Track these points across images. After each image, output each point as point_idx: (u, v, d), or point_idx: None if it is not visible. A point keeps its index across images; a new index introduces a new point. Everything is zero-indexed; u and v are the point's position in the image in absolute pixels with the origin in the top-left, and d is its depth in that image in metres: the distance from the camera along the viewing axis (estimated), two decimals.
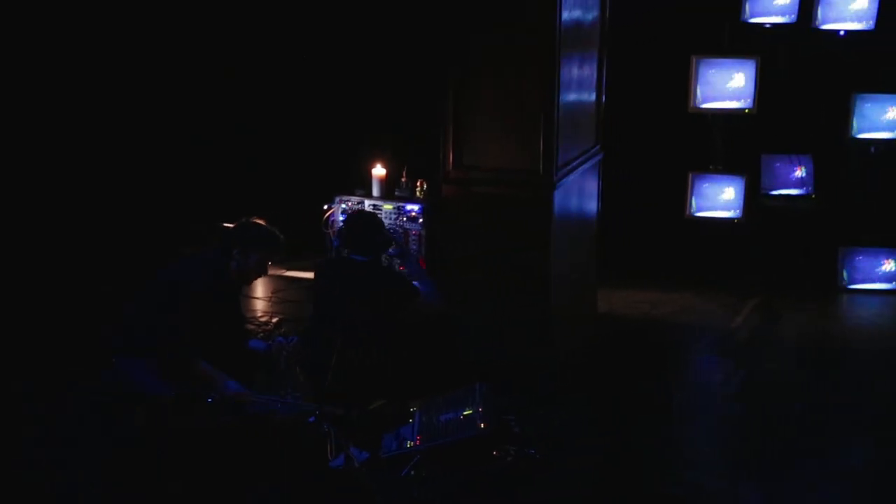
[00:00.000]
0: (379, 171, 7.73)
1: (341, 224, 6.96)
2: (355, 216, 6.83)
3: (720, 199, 9.28)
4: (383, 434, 5.96)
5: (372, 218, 6.83)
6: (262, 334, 7.76)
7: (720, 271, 9.37)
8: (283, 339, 6.36)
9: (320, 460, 5.67)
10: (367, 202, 7.69)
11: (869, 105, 9.02)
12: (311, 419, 5.83)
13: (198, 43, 9.85)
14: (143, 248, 9.04)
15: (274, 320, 8.18)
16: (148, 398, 5.77)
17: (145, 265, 6.75)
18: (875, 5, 8.87)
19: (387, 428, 5.99)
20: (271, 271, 8.83)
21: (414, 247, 7.41)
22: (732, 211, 9.27)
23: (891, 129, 9.03)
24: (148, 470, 5.66)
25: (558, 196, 6.97)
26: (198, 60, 9.88)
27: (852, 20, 8.94)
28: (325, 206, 7.80)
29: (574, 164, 7.28)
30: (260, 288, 8.85)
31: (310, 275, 7.10)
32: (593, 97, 7.68)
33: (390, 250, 6.85)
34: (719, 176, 9.29)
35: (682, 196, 9.31)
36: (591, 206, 7.87)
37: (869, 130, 9.07)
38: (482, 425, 5.77)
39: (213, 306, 6.01)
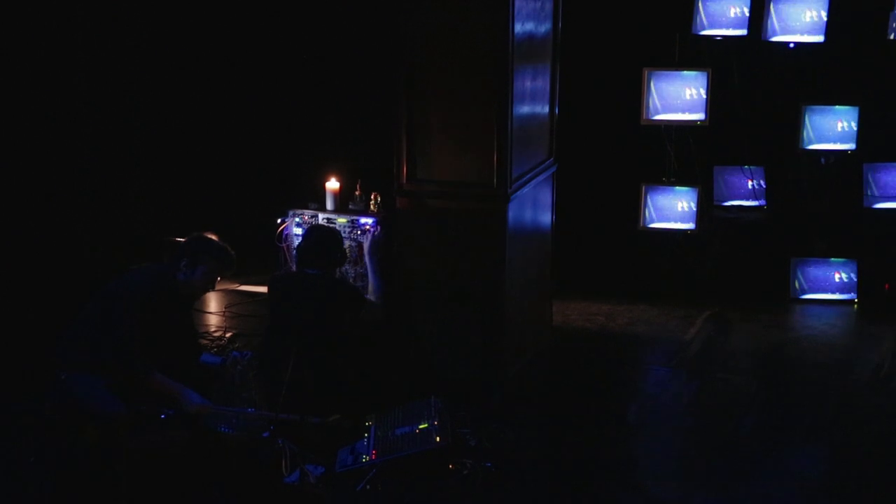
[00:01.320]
0: (333, 184, 7.71)
1: (300, 239, 6.96)
2: (313, 230, 6.84)
3: (673, 210, 9.32)
4: (338, 448, 5.93)
5: (329, 233, 6.84)
6: (215, 349, 7.70)
7: (674, 283, 9.42)
8: (238, 353, 6.32)
9: (275, 476, 5.64)
10: (320, 216, 7.66)
11: (818, 116, 9.11)
12: (266, 434, 5.80)
13: (150, 54, 9.78)
14: (93, 262, 8.94)
15: (228, 335, 8.13)
16: (97, 415, 5.70)
17: (95, 278, 6.68)
18: (824, 18, 8.96)
19: (342, 442, 5.97)
20: (225, 286, 8.81)
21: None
22: (686, 223, 9.32)
23: (840, 141, 9.12)
24: (98, 490, 5.59)
25: (512, 209, 6.98)
26: (150, 72, 9.81)
27: (802, 33, 9.02)
28: (279, 220, 7.77)
29: (528, 176, 7.29)
30: (213, 302, 8.79)
31: (264, 289, 7.06)
32: (546, 109, 7.70)
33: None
34: (672, 188, 9.34)
35: (635, 208, 9.35)
36: (545, 218, 7.89)
37: (819, 142, 9.15)
38: (438, 439, 5.77)
39: (161, 320, 5.95)
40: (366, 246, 7.13)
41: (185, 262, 6.09)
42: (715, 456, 6.45)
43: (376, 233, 7.19)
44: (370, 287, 6.95)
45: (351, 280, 7.40)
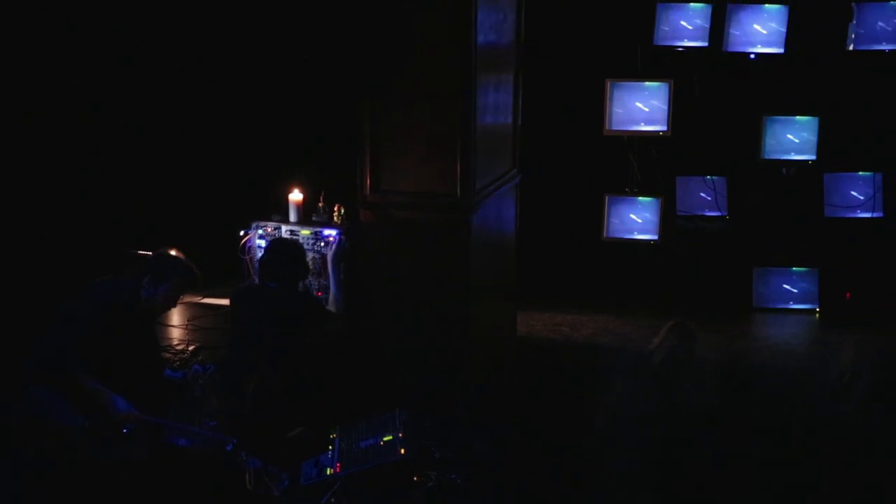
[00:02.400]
0: (296, 196, 7.68)
1: (263, 252, 6.93)
2: (275, 244, 6.83)
3: (636, 221, 9.36)
4: (302, 461, 5.91)
5: (291, 245, 6.82)
6: (178, 362, 7.65)
7: (637, 293, 9.45)
8: (200, 367, 6.29)
9: (238, 490, 5.61)
10: (284, 227, 7.63)
11: (779, 127, 9.18)
12: (229, 447, 5.76)
13: (112, 65, 9.72)
14: (58, 275, 8.86)
15: (191, 348, 8.08)
16: (58, 429, 5.65)
17: (60, 292, 6.61)
18: (783, 29, 9.04)
19: (306, 455, 5.94)
20: (188, 298, 8.75)
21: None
22: (648, 233, 9.36)
23: (801, 151, 9.19)
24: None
25: (476, 220, 6.98)
26: (113, 84, 9.74)
27: (762, 44, 9.10)
28: (242, 233, 7.73)
29: (491, 187, 7.30)
30: (176, 316, 8.73)
31: (227, 301, 7.03)
32: (510, 120, 7.71)
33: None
34: (635, 199, 9.38)
35: (598, 219, 9.38)
36: (510, 229, 7.89)
37: (780, 152, 9.22)
38: (403, 451, 5.75)
39: (120, 335, 5.90)
40: (329, 256, 7.10)
41: (149, 279, 6.05)
42: (680, 465, 6.47)
43: (340, 242, 7.16)
44: (331, 297, 6.92)
45: (314, 292, 7.37)
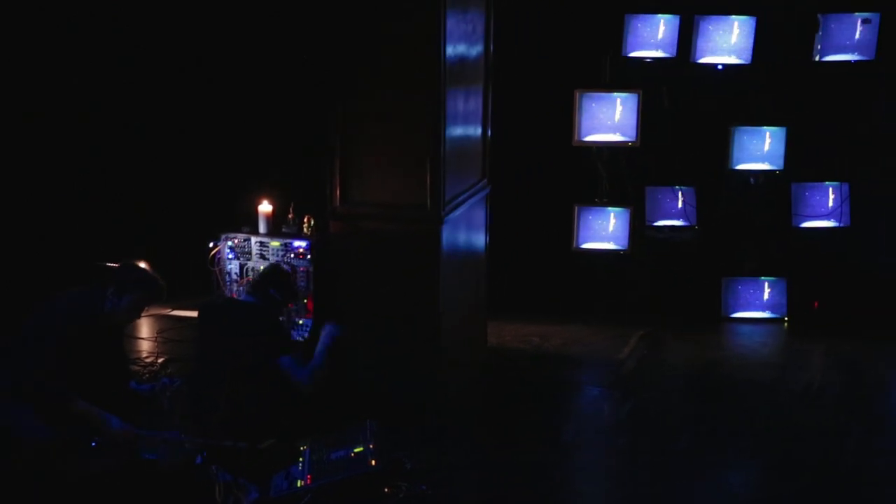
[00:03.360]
0: (265, 207, 7.66)
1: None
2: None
3: (606, 231, 9.39)
4: (273, 473, 5.88)
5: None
6: (147, 375, 7.61)
7: (607, 303, 9.48)
8: (168, 380, 6.26)
9: (208, 503, 5.58)
10: (253, 239, 7.62)
11: (747, 137, 9.24)
12: (199, 460, 5.73)
13: (83, 74, 9.67)
14: (22, 287, 8.79)
15: (160, 360, 8.04)
16: (26, 442, 5.60)
17: (24, 303, 6.56)
18: (751, 40, 9.10)
19: (276, 467, 5.92)
20: (156, 311, 8.71)
21: (302, 283, 7.35)
22: (618, 243, 9.40)
23: (769, 161, 9.25)
24: None
25: (446, 231, 6.98)
26: (80, 92, 9.69)
27: (729, 54, 9.15)
28: (211, 244, 7.70)
29: (461, 198, 7.30)
30: (145, 328, 8.69)
31: (195, 313, 6.99)
32: (479, 131, 7.72)
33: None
34: (604, 208, 9.41)
35: (568, 229, 9.41)
36: (480, 239, 7.90)
37: (747, 162, 9.28)
38: (373, 462, 5.74)
39: (87, 347, 5.87)
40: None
41: (112, 291, 6.02)
42: (650, 474, 6.48)
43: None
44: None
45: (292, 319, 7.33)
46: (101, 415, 5.76)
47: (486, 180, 7.86)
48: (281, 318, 6.97)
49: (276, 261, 7.35)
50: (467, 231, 7.58)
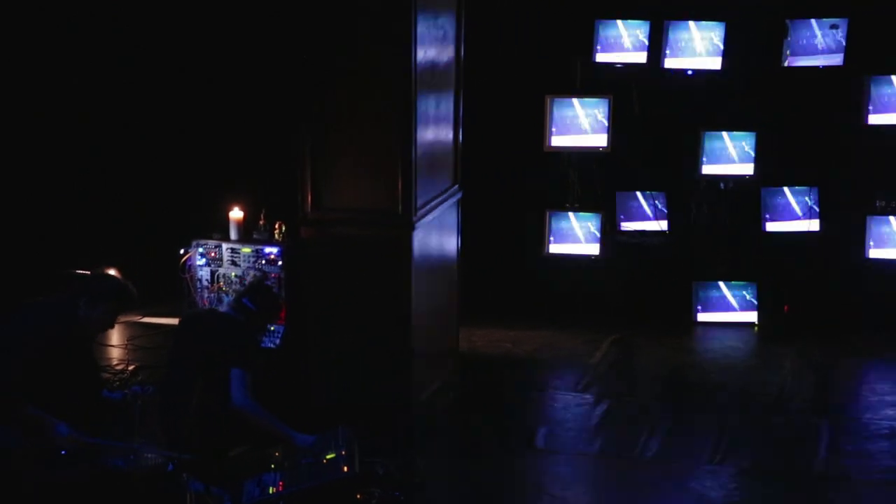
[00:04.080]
0: (236, 213, 7.65)
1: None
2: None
3: (577, 236, 9.41)
4: (245, 480, 5.86)
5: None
6: (118, 383, 7.57)
7: (579, 307, 9.49)
8: (139, 387, 6.22)
9: None
10: (224, 245, 7.59)
11: (717, 142, 9.27)
12: (170, 467, 5.70)
13: (50, 79, 9.62)
14: None
15: (130, 368, 8.00)
16: None
17: None
18: (720, 45, 9.14)
19: (248, 474, 5.89)
20: (128, 318, 8.66)
21: (274, 290, 7.32)
22: (589, 248, 9.41)
23: (739, 166, 9.28)
24: None
25: (417, 236, 6.98)
26: (49, 97, 9.64)
27: (699, 59, 9.18)
28: (182, 251, 7.68)
29: (433, 203, 7.31)
30: (116, 335, 8.64)
31: (167, 320, 6.97)
32: (451, 136, 7.73)
33: None
34: (576, 213, 9.42)
35: (540, 234, 9.42)
36: (451, 245, 7.90)
37: (718, 166, 9.30)
38: (345, 468, 5.72)
39: (59, 354, 5.83)
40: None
41: (85, 300, 5.98)
42: (622, 479, 6.50)
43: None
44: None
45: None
46: (48, 420, 5.69)
47: (457, 185, 7.87)
48: (261, 338, 6.89)
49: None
50: (439, 236, 7.58)
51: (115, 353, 8.35)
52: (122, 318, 8.55)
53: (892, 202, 9.27)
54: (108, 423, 5.98)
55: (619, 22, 9.20)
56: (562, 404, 7.74)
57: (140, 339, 8.60)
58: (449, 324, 8.06)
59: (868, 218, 9.24)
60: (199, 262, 7.63)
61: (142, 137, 9.91)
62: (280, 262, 7.52)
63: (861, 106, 9.10)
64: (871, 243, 9.23)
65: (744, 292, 9.35)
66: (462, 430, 7.20)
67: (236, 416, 6.03)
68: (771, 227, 9.38)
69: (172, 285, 7.75)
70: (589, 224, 9.39)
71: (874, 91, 9.06)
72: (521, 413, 7.53)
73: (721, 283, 9.37)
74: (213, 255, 7.64)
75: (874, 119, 9.10)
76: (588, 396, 7.82)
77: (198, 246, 7.64)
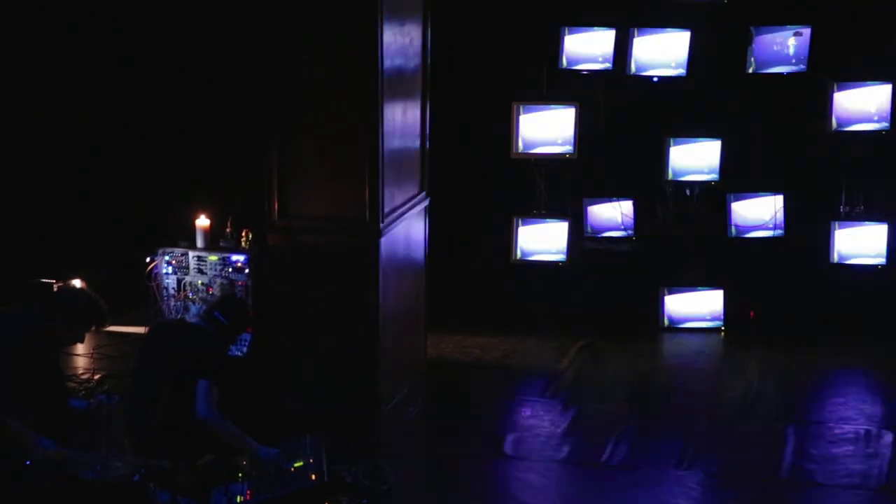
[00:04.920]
0: (203, 221, 7.61)
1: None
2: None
3: (545, 242, 9.43)
4: (212, 490, 5.83)
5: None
6: (83, 392, 7.52)
7: (547, 314, 9.51)
8: (104, 396, 6.18)
9: None
10: (191, 253, 7.56)
11: (683, 149, 9.31)
12: (137, 478, 5.67)
13: (12, 89, 9.56)
14: None
15: (96, 377, 7.94)
16: None
17: None
18: (686, 52, 9.19)
19: (216, 483, 5.87)
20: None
21: (245, 303, 7.28)
22: (557, 254, 9.44)
23: (704, 172, 9.33)
24: None
25: (385, 243, 6.98)
26: (10, 106, 9.57)
27: (665, 67, 9.23)
28: (148, 259, 7.64)
29: (400, 210, 7.31)
30: (81, 344, 8.57)
31: (133, 329, 6.93)
32: (418, 144, 7.73)
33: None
34: (543, 220, 9.45)
35: (508, 240, 9.43)
36: (419, 252, 7.90)
37: (684, 174, 9.35)
38: (313, 477, 5.71)
39: (29, 365, 5.79)
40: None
41: (56, 315, 5.93)
42: (589, 486, 6.51)
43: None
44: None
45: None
46: (32, 436, 5.66)
47: (424, 192, 7.87)
48: (231, 351, 6.87)
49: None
50: (406, 243, 7.58)
51: (81, 363, 8.30)
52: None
53: (857, 208, 9.35)
54: (74, 433, 5.95)
55: (585, 29, 9.24)
56: (530, 410, 7.75)
57: (106, 347, 8.54)
58: (417, 331, 8.06)
59: (832, 223, 9.31)
60: (165, 270, 7.59)
61: (106, 144, 9.85)
62: (247, 270, 7.49)
63: (825, 112, 9.17)
64: (836, 249, 9.30)
65: (710, 298, 9.39)
66: (430, 436, 7.19)
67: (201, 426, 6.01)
68: (737, 232, 9.43)
69: (138, 293, 7.70)
70: (557, 230, 9.41)
71: (838, 98, 9.14)
72: (489, 419, 7.53)
73: (688, 289, 9.41)
74: (179, 263, 7.60)
75: (838, 125, 9.17)
76: (556, 402, 7.83)
77: (164, 254, 7.61)
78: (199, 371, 6.06)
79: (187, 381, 6.07)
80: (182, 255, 7.61)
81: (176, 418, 5.98)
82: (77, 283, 6.15)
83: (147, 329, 6.68)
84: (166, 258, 7.60)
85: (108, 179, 9.84)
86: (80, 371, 8.11)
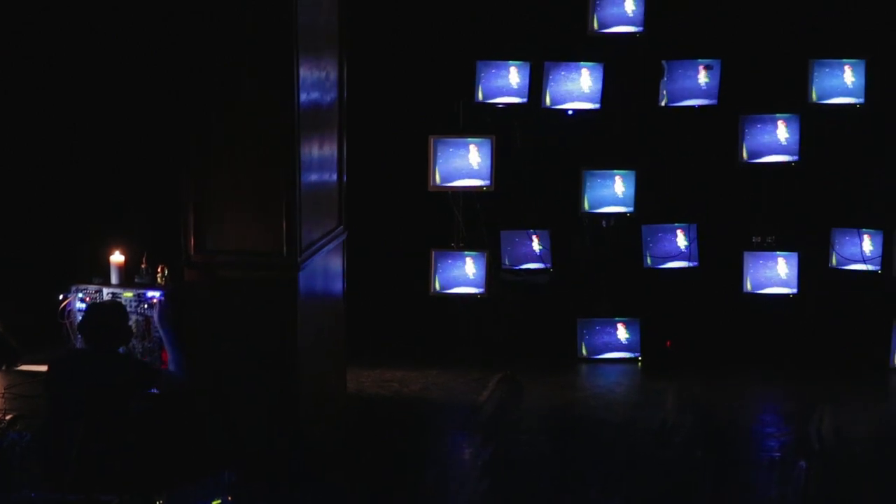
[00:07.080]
0: (117, 257, 7.51)
1: (81, 317, 6.71)
2: (94, 308, 6.63)
3: (463, 275, 9.46)
4: None
5: (111, 309, 6.60)
6: None
7: (465, 346, 9.53)
8: (16, 435, 6.07)
9: None
10: (105, 290, 7.45)
11: (598, 181, 9.42)
12: None
13: None
14: None
15: (8, 417, 7.77)
16: None
17: None
18: (599, 85, 9.32)
19: None
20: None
21: (156, 334, 7.21)
22: (475, 287, 9.46)
23: (620, 204, 9.44)
24: None
25: (303, 278, 6.94)
26: None
27: (579, 100, 9.35)
28: (61, 296, 7.51)
29: (318, 244, 7.28)
30: None
31: (45, 368, 6.78)
32: (335, 178, 7.72)
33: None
34: (461, 253, 9.48)
35: (425, 274, 9.45)
36: (337, 286, 7.87)
37: (599, 205, 9.45)
38: None
39: None
40: (155, 318, 6.95)
41: None
42: None
43: (162, 302, 7.00)
44: (169, 358, 6.73)
45: (138, 355, 7.19)
46: None
47: (342, 226, 7.86)
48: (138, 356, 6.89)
49: (95, 301, 7.21)
50: (325, 277, 7.55)
51: None
52: None
53: (768, 238, 9.52)
54: None
55: (500, 63, 9.33)
56: (450, 444, 7.74)
57: (18, 387, 8.36)
58: (336, 364, 8.02)
59: (745, 254, 9.47)
60: (78, 307, 7.46)
61: (15, 178, 9.68)
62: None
63: (736, 144, 9.34)
64: (748, 279, 9.45)
65: (627, 328, 9.48)
66: (351, 471, 7.15)
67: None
68: (652, 263, 9.55)
69: (51, 331, 7.56)
70: (474, 263, 9.45)
71: (748, 130, 9.32)
72: (409, 453, 7.51)
73: (605, 320, 9.49)
74: (93, 299, 7.48)
75: (749, 157, 9.35)
76: (476, 435, 7.83)
77: (77, 291, 7.48)
78: (144, 383, 6.18)
79: (102, 411, 6.00)
80: (96, 291, 7.49)
81: (91, 456, 5.89)
82: None
83: (49, 366, 6.54)
84: (80, 295, 7.48)
85: (17, 216, 9.66)
86: None
